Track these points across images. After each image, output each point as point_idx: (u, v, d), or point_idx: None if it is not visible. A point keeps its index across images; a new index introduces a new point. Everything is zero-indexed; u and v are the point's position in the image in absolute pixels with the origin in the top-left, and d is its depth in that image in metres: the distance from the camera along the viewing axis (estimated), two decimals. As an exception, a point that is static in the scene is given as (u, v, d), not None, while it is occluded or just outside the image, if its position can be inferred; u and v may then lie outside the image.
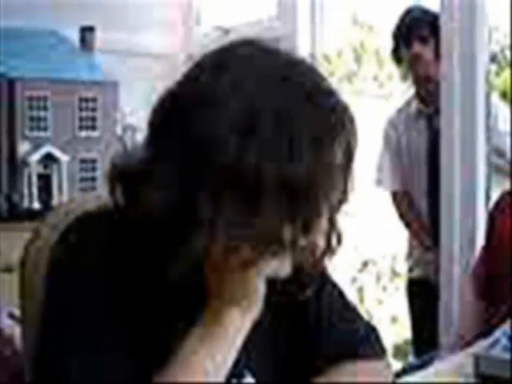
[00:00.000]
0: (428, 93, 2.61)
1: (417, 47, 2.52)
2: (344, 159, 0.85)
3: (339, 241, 0.92)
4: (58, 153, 3.38)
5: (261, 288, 0.87)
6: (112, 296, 0.85)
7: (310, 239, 0.86)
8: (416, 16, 2.58)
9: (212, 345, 0.85)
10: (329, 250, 0.91)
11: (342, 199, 0.88)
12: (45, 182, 3.36)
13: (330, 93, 0.87)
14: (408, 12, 2.62)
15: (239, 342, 0.87)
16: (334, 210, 0.89)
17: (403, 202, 2.71)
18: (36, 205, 3.32)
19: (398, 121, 2.72)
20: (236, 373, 0.94)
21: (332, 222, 0.89)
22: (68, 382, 0.81)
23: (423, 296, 2.63)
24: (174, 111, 0.85)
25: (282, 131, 0.81)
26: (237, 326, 0.86)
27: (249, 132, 0.80)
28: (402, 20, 2.59)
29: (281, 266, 0.87)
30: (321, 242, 0.89)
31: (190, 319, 0.87)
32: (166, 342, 0.87)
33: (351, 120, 0.87)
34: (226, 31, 3.45)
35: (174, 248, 0.82)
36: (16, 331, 1.89)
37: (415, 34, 2.53)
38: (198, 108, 0.83)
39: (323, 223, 0.87)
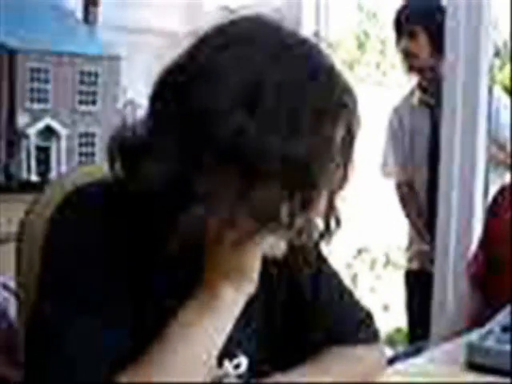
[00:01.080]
0: (429, 83, 2.61)
1: (404, 42, 2.59)
2: (345, 139, 0.85)
3: (337, 224, 0.91)
4: (57, 126, 3.37)
5: (256, 264, 0.87)
6: (111, 261, 0.85)
7: (308, 218, 0.86)
8: (408, 9, 2.62)
9: (207, 318, 0.85)
10: (327, 232, 0.90)
11: (342, 181, 0.88)
12: (43, 154, 3.35)
13: (333, 71, 0.87)
14: (403, 4, 2.63)
15: (234, 316, 0.87)
16: (334, 191, 0.89)
17: (407, 192, 2.72)
18: (34, 177, 3.31)
19: (402, 110, 2.72)
20: (229, 352, 0.94)
21: (331, 205, 0.89)
22: (65, 345, 0.81)
23: (421, 287, 2.65)
24: (176, 85, 0.85)
25: (283, 106, 0.80)
26: (232, 300, 0.86)
27: (250, 106, 0.80)
28: (398, 12, 2.61)
29: (277, 244, 0.87)
30: (319, 224, 0.89)
31: (186, 292, 0.87)
32: (163, 311, 0.87)
33: (353, 100, 0.87)
34: (231, 11, 3.43)
35: (173, 221, 0.81)
36: (10, 303, 1.89)
37: (404, 29, 2.60)
38: (200, 82, 0.82)
39: (322, 203, 0.87)
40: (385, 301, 4.12)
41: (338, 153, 0.85)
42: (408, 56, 2.61)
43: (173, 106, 0.84)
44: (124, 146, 0.88)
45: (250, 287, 0.88)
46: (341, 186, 0.89)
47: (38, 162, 3.35)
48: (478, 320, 1.65)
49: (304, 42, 0.87)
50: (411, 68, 2.64)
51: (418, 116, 2.69)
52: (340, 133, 0.85)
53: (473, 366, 1.20)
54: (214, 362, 0.91)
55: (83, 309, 0.82)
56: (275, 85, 0.81)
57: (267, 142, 0.79)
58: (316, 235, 0.90)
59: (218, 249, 0.85)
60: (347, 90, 0.87)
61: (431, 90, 2.63)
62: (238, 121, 0.80)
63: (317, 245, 0.95)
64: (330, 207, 0.90)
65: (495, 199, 1.85)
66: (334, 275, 1.08)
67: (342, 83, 0.87)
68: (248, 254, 0.85)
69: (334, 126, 0.84)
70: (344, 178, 0.89)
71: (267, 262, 0.90)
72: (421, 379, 1.16)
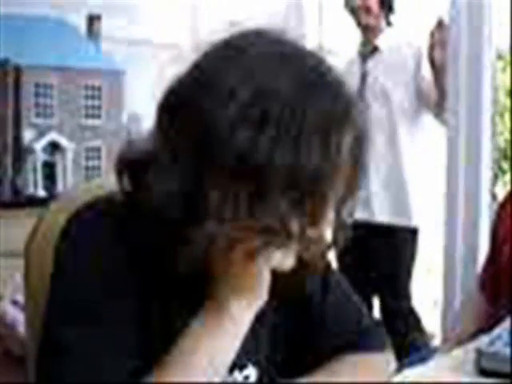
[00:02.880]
0: (367, 31, 2.69)
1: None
2: (353, 152, 0.85)
3: (345, 234, 0.92)
4: (63, 140, 3.39)
5: (266, 279, 0.87)
6: (118, 274, 0.85)
7: (318, 231, 0.86)
8: None
9: (215, 337, 0.85)
10: (335, 243, 0.91)
11: (350, 192, 0.89)
12: (49, 169, 3.37)
13: (339, 84, 0.87)
14: None
15: (242, 333, 0.87)
16: (341, 202, 0.89)
17: None
18: (40, 192, 3.32)
19: (353, 60, 2.80)
20: (239, 364, 0.94)
21: (339, 216, 0.89)
22: (67, 353, 0.81)
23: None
24: (183, 100, 0.85)
25: (291, 120, 0.81)
26: (241, 317, 0.86)
27: (259, 121, 0.80)
28: None
29: (285, 258, 0.87)
30: (327, 235, 0.89)
31: (193, 308, 0.87)
32: (169, 335, 0.87)
33: (359, 113, 0.87)
34: (235, 24, 3.45)
35: (180, 238, 0.82)
36: (19, 318, 1.90)
37: None
38: (208, 96, 0.83)
39: (330, 216, 0.87)
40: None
41: (346, 161, 0.85)
42: (355, 13, 2.69)
43: (181, 120, 0.85)
44: (131, 161, 0.88)
45: (258, 303, 0.87)
46: (350, 195, 0.90)
47: (45, 176, 3.37)
48: (486, 324, 1.65)
49: (310, 55, 0.88)
50: (359, 24, 2.71)
51: (353, 67, 2.73)
52: (347, 144, 0.85)
53: (482, 372, 1.20)
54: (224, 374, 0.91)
55: (90, 329, 0.83)
56: (283, 99, 0.81)
57: (276, 157, 0.80)
58: (324, 247, 0.90)
59: (229, 262, 0.85)
60: (353, 102, 0.87)
61: (368, 38, 2.71)
62: (246, 136, 0.80)
63: (325, 256, 0.95)
64: (338, 217, 0.90)
65: (502, 205, 1.85)
66: (341, 284, 1.08)
67: (347, 95, 0.87)
68: (257, 269, 0.85)
69: (341, 138, 0.84)
70: (353, 189, 0.89)
71: (276, 273, 0.90)
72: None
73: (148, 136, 0.89)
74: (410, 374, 1.21)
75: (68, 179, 3.25)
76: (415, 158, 2.78)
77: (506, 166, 4.81)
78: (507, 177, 4.76)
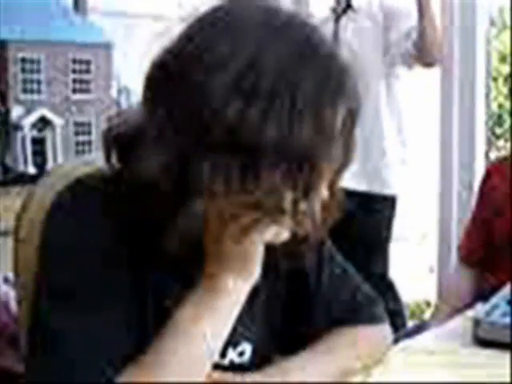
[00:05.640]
0: None
1: None
2: (346, 121, 0.83)
3: (339, 208, 0.90)
4: (51, 116, 3.34)
5: (259, 253, 0.86)
6: (110, 259, 0.84)
7: (311, 204, 0.84)
8: None
9: (210, 312, 0.84)
10: (329, 216, 0.89)
11: (344, 164, 0.87)
12: (39, 145, 3.33)
13: (332, 55, 0.85)
14: None
15: (237, 309, 0.86)
16: (336, 175, 0.87)
17: None
18: (31, 169, 3.29)
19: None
20: (232, 341, 0.94)
21: (332, 189, 0.88)
22: (65, 345, 0.80)
23: None
24: (173, 71, 0.83)
25: (282, 91, 0.78)
26: (235, 293, 0.85)
27: (248, 92, 0.78)
28: None
29: (279, 232, 0.85)
30: (320, 209, 0.87)
31: (188, 284, 0.86)
32: (162, 310, 0.86)
33: (353, 81, 0.85)
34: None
35: (172, 213, 0.80)
36: (11, 296, 1.89)
37: None
38: (196, 68, 0.80)
39: (324, 189, 0.85)
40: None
41: (339, 135, 0.83)
42: None
43: (169, 92, 0.82)
44: (120, 136, 0.86)
45: (253, 277, 0.86)
46: (342, 170, 0.88)
47: (34, 153, 3.33)
48: (475, 298, 1.64)
49: (304, 24, 0.85)
50: None
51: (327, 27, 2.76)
52: (341, 115, 0.83)
53: (479, 341, 1.19)
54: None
55: (82, 309, 0.81)
56: (275, 71, 0.79)
57: (267, 129, 0.78)
58: (318, 220, 0.89)
59: (220, 240, 0.83)
60: (346, 71, 0.85)
61: None
62: (237, 108, 0.78)
63: (320, 230, 0.93)
64: (332, 191, 0.88)
65: (484, 179, 1.83)
66: (336, 258, 1.07)
67: (340, 64, 0.85)
68: (251, 244, 0.84)
69: (334, 109, 0.82)
70: (346, 162, 0.87)
71: (269, 248, 0.89)
72: (424, 356, 1.16)
73: (136, 109, 0.87)
74: (408, 344, 1.21)
75: (58, 155, 3.20)
76: (393, 124, 2.77)
77: (499, 131, 4.79)
78: (501, 142, 4.75)
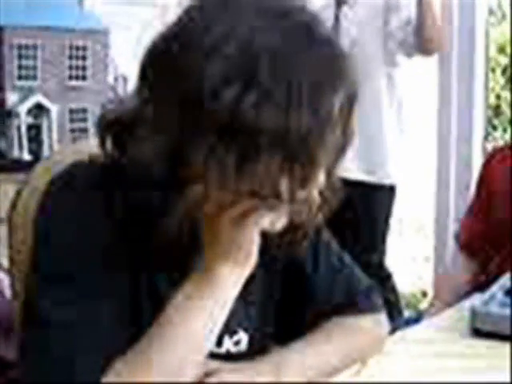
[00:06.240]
0: None
1: None
2: (343, 108, 0.82)
3: (336, 196, 0.89)
4: (47, 102, 3.32)
5: (256, 240, 0.85)
6: (107, 241, 0.83)
7: (308, 192, 0.83)
8: None
9: (207, 297, 0.84)
10: (325, 204, 0.88)
11: (341, 153, 0.86)
12: (35, 132, 3.31)
13: (330, 41, 0.83)
14: None
15: (232, 298, 0.86)
16: (333, 163, 0.86)
17: None
18: (26, 155, 3.28)
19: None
20: (228, 330, 0.93)
21: (330, 177, 0.87)
22: (64, 330, 0.79)
23: None
24: (169, 57, 0.81)
25: (281, 77, 0.77)
26: (232, 278, 0.84)
27: (246, 77, 0.77)
28: None
29: (277, 219, 0.84)
30: (317, 196, 0.86)
31: (185, 270, 0.85)
32: (156, 294, 0.85)
33: (352, 69, 0.84)
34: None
35: (167, 203, 0.79)
36: (5, 282, 1.88)
37: None
38: (193, 52, 0.79)
39: (321, 176, 0.84)
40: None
41: (336, 124, 0.82)
42: None
43: (165, 77, 0.81)
44: (115, 122, 0.85)
45: (250, 263, 0.85)
46: (340, 158, 0.87)
47: (30, 140, 3.32)
48: (475, 287, 1.64)
49: (302, 10, 0.84)
50: None
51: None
52: (339, 102, 0.82)
53: (477, 332, 1.18)
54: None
55: (78, 292, 0.80)
56: (272, 55, 0.78)
57: (265, 114, 0.76)
58: (315, 208, 0.88)
59: (217, 226, 0.82)
60: (346, 59, 0.83)
61: None
62: (234, 93, 0.77)
63: (316, 217, 0.92)
64: (329, 179, 0.87)
65: (484, 164, 1.83)
66: (333, 247, 1.06)
67: (340, 52, 0.83)
68: (247, 232, 0.83)
69: (333, 96, 0.81)
70: (343, 149, 0.86)
71: (266, 237, 0.88)
72: (422, 346, 1.15)
73: (132, 95, 0.85)
74: (405, 334, 1.20)
75: (54, 142, 3.19)
76: (392, 112, 2.76)
77: (496, 122, 4.79)
78: (498, 133, 4.74)
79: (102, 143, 0.86)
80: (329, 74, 0.81)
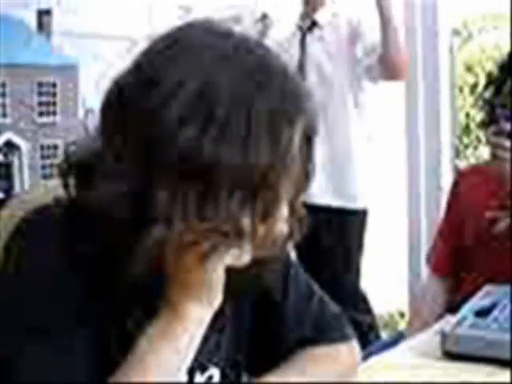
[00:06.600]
0: (307, 3, 2.76)
1: None
2: (303, 144, 0.83)
3: (301, 226, 0.90)
4: (18, 140, 3.31)
5: (220, 278, 0.85)
6: (67, 290, 0.83)
7: (270, 227, 0.84)
8: None
9: (171, 339, 0.83)
10: (291, 236, 0.89)
11: (302, 185, 0.87)
12: (5, 170, 3.30)
13: (287, 76, 0.85)
14: None
15: (200, 334, 0.86)
16: (295, 195, 0.87)
17: None
18: (-3, 194, 3.26)
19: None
20: (200, 366, 0.93)
21: (293, 208, 0.87)
22: (15, 369, 0.78)
23: None
24: (126, 99, 0.82)
25: (237, 116, 0.78)
26: (197, 317, 0.84)
27: (203, 118, 0.78)
28: None
29: (240, 255, 0.85)
30: (284, 229, 0.87)
31: (149, 313, 0.85)
32: (125, 337, 0.85)
33: (310, 104, 0.85)
34: (188, 9, 3.42)
35: (130, 243, 0.79)
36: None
37: None
38: (150, 96, 0.80)
39: (283, 210, 0.85)
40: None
41: (296, 157, 0.83)
42: None
43: (124, 120, 0.82)
44: (76, 165, 0.86)
45: (215, 302, 0.86)
46: (302, 190, 0.88)
47: (0, 177, 3.30)
48: (447, 309, 1.65)
49: (256, 47, 0.85)
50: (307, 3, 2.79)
51: (292, 44, 2.78)
52: (298, 135, 0.83)
53: (448, 354, 1.19)
54: (184, 378, 0.89)
55: (33, 336, 0.80)
56: (228, 97, 0.79)
57: (223, 156, 0.77)
58: (280, 240, 0.88)
59: (180, 267, 0.83)
60: (303, 94, 0.85)
61: (307, 12, 2.78)
62: (191, 135, 0.78)
63: (282, 249, 0.93)
64: (292, 211, 0.88)
65: (454, 184, 1.85)
66: (302, 276, 1.07)
67: (296, 87, 0.85)
68: (211, 270, 0.83)
69: (291, 129, 0.82)
70: (304, 182, 0.87)
71: (234, 270, 0.88)
72: (394, 372, 1.16)
73: (95, 136, 0.86)
74: (376, 361, 1.21)
75: (25, 179, 3.18)
76: (362, 136, 2.79)
77: (467, 140, 4.85)
78: (469, 151, 4.80)
79: (65, 185, 0.86)
80: (286, 108, 0.82)
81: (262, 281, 0.96)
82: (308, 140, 0.85)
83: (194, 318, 0.84)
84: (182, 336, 0.83)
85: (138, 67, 0.83)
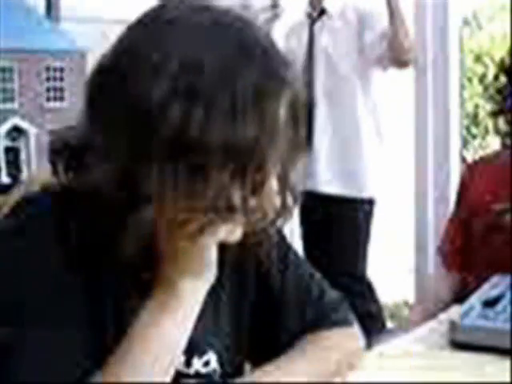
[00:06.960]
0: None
1: None
2: (290, 117, 0.83)
3: (295, 200, 0.90)
4: (25, 125, 3.31)
5: (213, 253, 0.86)
6: (62, 269, 0.83)
7: (261, 200, 0.84)
8: None
9: (171, 312, 0.84)
10: (284, 209, 0.89)
11: (292, 158, 0.86)
12: (13, 155, 3.30)
13: (270, 48, 0.84)
14: None
15: (195, 312, 0.86)
16: (285, 169, 0.87)
17: None
18: (4, 178, 3.26)
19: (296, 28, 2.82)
20: (198, 350, 0.93)
21: (284, 181, 0.87)
22: (19, 358, 0.78)
23: None
24: (111, 78, 0.82)
25: (223, 91, 0.78)
26: (192, 293, 0.85)
27: (189, 95, 0.78)
28: None
29: (232, 230, 0.85)
30: (276, 202, 0.87)
31: (144, 291, 0.85)
32: (121, 315, 0.85)
33: (294, 75, 0.85)
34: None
35: (123, 222, 0.79)
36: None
37: None
38: (136, 73, 0.80)
39: (273, 183, 0.85)
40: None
41: (284, 130, 0.83)
42: None
43: (110, 102, 0.82)
44: (66, 147, 0.86)
45: (209, 277, 0.87)
46: (292, 163, 0.88)
47: (8, 162, 3.30)
48: (455, 299, 1.64)
49: (237, 20, 0.85)
50: None
51: (301, 31, 2.81)
52: (284, 111, 0.83)
53: (455, 344, 1.19)
54: (181, 359, 0.89)
55: (32, 321, 0.80)
56: (211, 72, 0.79)
57: (211, 130, 0.78)
58: (272, 214, 0.88)
59: (174, 244, 0.83)
60: (286, 65, 0.84)
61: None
62: (178, 113, 0.78)
63: (274, 223, 0.92)
64: (284, 185, 0.88)
65: (462, 179, 1.84)
66: (301, 262, 1.07)
67: (280, 59, 0.84)
68: (203, 246, 0.84)
69: (277, 103, 0.81)
70: (294, 154, 0.87)
71: (232, 251, 0.88)
72: (400, 360, 1.15)
73: (81, 121, 0.86)
74: (383, 348, 1.20)
75: (32, 164, 3.18)
76: (370, 125, 2.78)
77: (475, 131, 4.83)
78: (477, 142, 4.79)
79: (54, 169, 0.86)
80: (270, 82, 0.81)
81: (261, 266, 0.97)
82: (295, 111, 0.84)
83: (188, 293, 0.85)
84: (179, 310, 0.84)
85: (120, 45, 0.83)
